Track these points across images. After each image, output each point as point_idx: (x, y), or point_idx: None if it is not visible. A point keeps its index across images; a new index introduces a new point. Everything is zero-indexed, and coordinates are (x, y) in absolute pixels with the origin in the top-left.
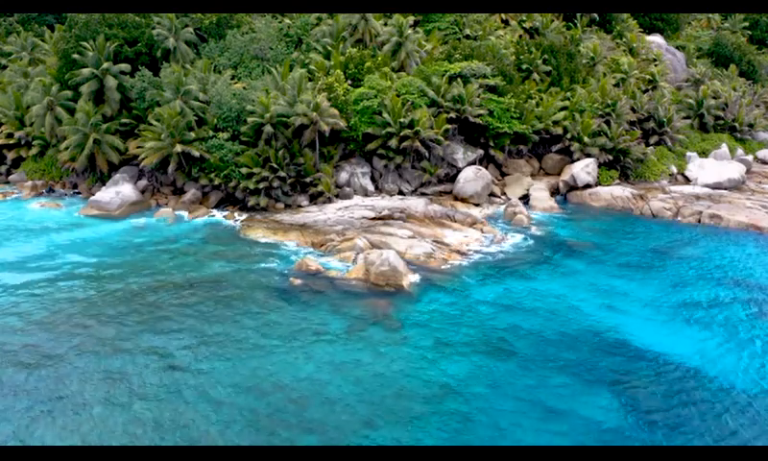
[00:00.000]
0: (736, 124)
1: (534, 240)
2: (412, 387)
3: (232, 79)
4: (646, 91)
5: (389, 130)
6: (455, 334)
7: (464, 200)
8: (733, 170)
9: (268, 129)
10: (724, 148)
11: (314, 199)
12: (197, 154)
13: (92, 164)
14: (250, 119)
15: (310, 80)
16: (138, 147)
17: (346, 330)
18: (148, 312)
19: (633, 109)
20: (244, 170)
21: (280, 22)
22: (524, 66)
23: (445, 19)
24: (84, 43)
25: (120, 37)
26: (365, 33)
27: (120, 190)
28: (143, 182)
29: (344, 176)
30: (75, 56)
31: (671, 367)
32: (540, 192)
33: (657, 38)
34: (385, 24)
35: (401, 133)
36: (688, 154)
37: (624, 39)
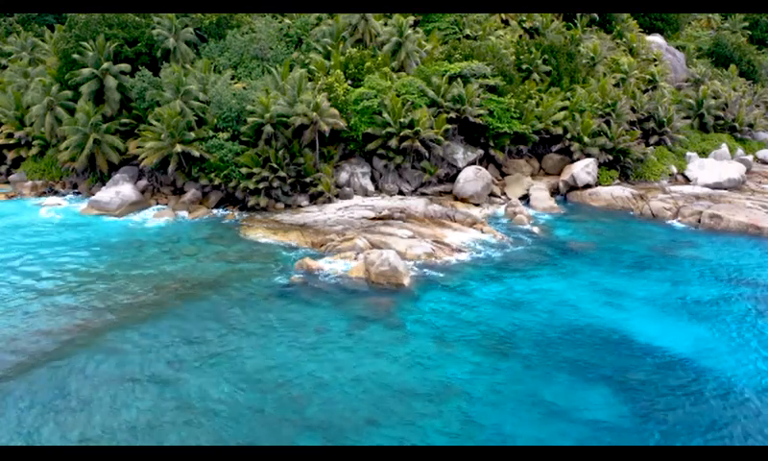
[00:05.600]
0: (736, 124)
1: (534, 240)
2: (413, 386)
3: (232, 79)
4: (646, 91)
5: (389, 130)
6: (456, 333)
7: (464, 200)
8: (733, 170)
9: (268, 129)
10: (724, 148)
11: (314, 199)
12: (197, 154)
13: (92, 164)
14: (250, 119)
15: (310, 80)
16: (138, 147)
17: (346, 329)
18: (148, 312)
19: (633, 109)
20: (244, 170)
21: (280, 22)
22: (524, 66)
23: (445, 19)
24: (84, 43)
25: (120, 37)
26: (365, 33)
27: (120, 190)
28: (143, 182)
29: (344, 176)
30: (75, 56)
31: (673, 365)
32: (540, 192)
33: (657, 38)
34: (385, 24)
35: (401, 133)
36: (688, 154)
37: (624, 39)
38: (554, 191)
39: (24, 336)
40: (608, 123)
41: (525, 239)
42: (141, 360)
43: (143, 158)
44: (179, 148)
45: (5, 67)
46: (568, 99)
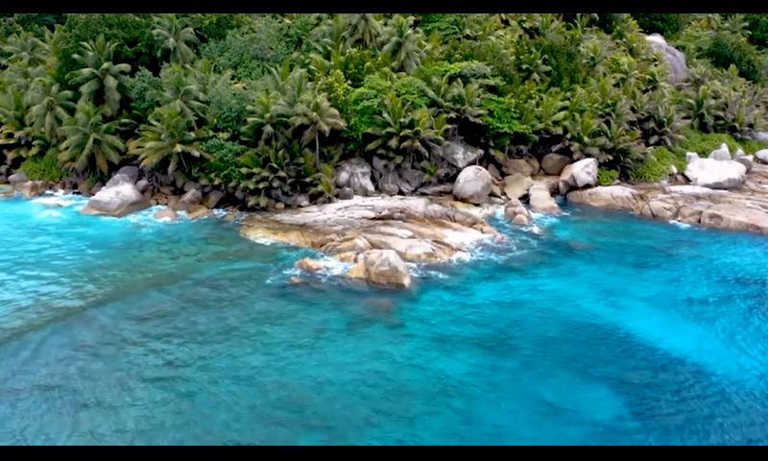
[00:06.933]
0: (736, 124)
1: (534, 240)
2: (413, 385)
3: (232, 79)
4: (646, 91)
5: (389, 130)
6: (456, 333)
7: (464, 200)
8: (733, 170)
9: (268, 129)
10: (724, 148)
11: (314, 199)
12: (197, 154)
13: (92, 164)
14: (250, 119)
15: (310, 80)
16: (138, 147)
17: (346, 329)
18: (148, 312)
19: (633, 109)
20: (244, 170)
21: (280, 22)
22: (524, 66)
23: (445, 19)
24: (84, 43)
25: (120, 37)
26: (365, 33)
27: (120, 190)
28: (143, 182)
29: (344, 176)
30: (75, 56)
31: (673, 365)
32: (540, 192)
33: (657, 38)
34: (385, 24)
35: (401, 133)
36: (688, 154)
37: (624, 39)
38: (554, 191)
39: (22, 334)
40: (608, 123)
41: (525, 239)
42: (140, 359)
43: (143, 158)
44: (179, 148)
45: (5, 67)
46: (568, 99)
